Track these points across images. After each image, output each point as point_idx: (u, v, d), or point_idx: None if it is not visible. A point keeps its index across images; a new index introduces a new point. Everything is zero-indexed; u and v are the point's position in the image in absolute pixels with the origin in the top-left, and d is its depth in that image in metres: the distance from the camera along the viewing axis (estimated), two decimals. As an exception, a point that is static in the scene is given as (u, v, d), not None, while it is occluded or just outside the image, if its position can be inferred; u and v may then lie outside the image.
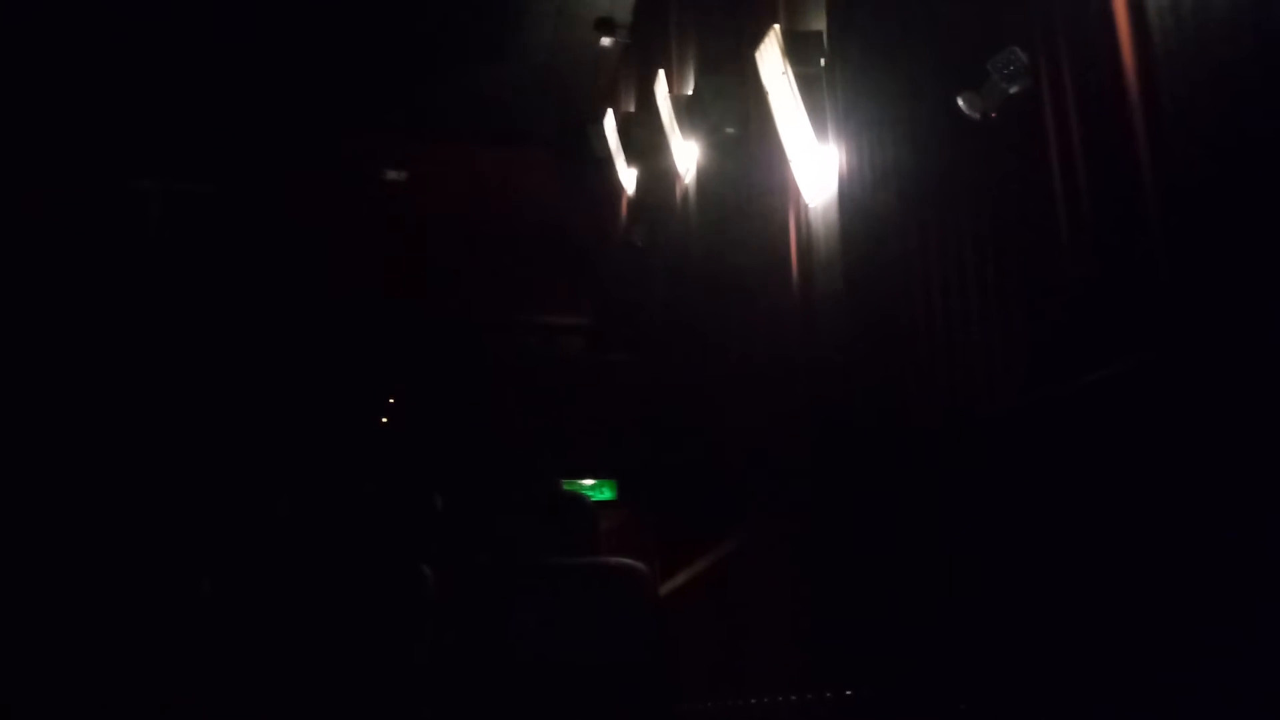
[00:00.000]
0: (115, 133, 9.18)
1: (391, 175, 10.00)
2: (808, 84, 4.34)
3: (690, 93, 6.64)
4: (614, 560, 3.21)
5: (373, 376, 7.09)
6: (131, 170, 9.30)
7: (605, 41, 8.48)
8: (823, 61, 4.39)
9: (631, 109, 8.71)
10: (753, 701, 4.21)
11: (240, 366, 7.02)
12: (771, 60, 4.46)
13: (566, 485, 6.97)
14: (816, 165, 4.35)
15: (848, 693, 3.39)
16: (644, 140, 7.98)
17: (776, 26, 4.52)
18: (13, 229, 8.56)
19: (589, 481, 7.85)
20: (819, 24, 4.53)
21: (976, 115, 3.00)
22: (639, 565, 3.14)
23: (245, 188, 9.63)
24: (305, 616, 3.20)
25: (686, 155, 6.86)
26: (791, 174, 4.53)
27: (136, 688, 3.66)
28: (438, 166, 10.15)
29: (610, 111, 8.82)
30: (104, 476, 5.39)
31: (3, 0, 7.93)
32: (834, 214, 4.26)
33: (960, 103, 3.01)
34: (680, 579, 5.09)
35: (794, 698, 3.78)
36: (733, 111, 5.71)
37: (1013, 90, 2.89)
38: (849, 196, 4.11)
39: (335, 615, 3.21)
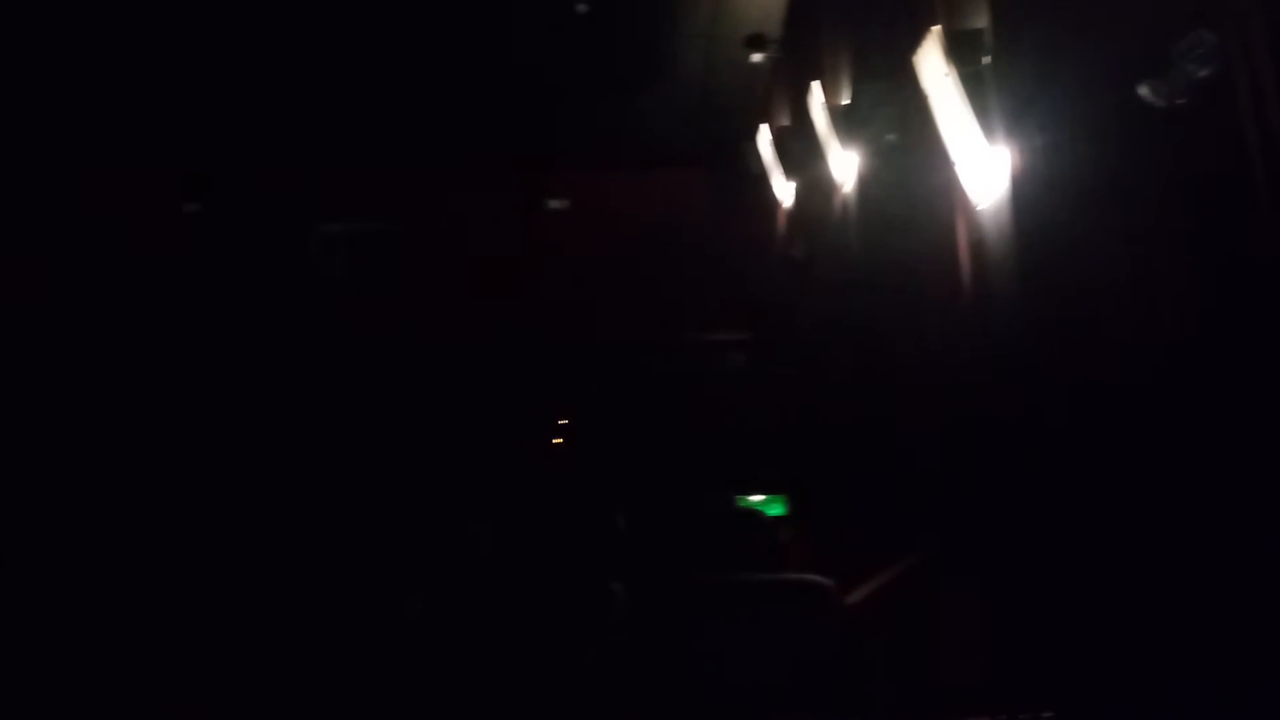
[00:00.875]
0: (303, 181, 9.89)
1: (554, 205, 10.30)
2: (972, 84, 4.23)
3: (847, 101, 6.57)
4: (798, 576, 3.20)
5: (549, 402, 7.32)
6: (320, 216, 10.02)
7: (757, 57, 8.50)
8: (986, 60, 4.27)
9: (786, 123, 8.68)
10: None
11: (428, 394, 7.39)
12: (932, 62, 4.38)
13: (740, 502, 6.97)
14: (984, 167, 4.23)
15: (1046, 715, 3.25)
16: (800, 153, 7.94)
17: (936, 28, 4.43)
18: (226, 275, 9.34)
19: (758, 497, 7.83)
20: (980, 22, 4.41)
21: (1162, 104, 2.86)
22: (825, 580, 3.11)
23: (422, 224, 10.14)
24: (505, 635, 3.33)
25: (845, 165, 6.79)
26: (957, 178, 4.42)
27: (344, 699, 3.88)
28: (598, 193, 10.40)
29: (765, 127, 8.82)
30: (317, 500, 5.76)
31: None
32: (1006, 216, 4.13)
33: (1143, 92, 2.87)
34: (860, 595, 5.01)
35: None
36: (892, 118, 5.62)
37: (1202, 74, 2.73)
38: (1022, 197, 3.97)
39: (532, 633, 3.33)
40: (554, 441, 7.16)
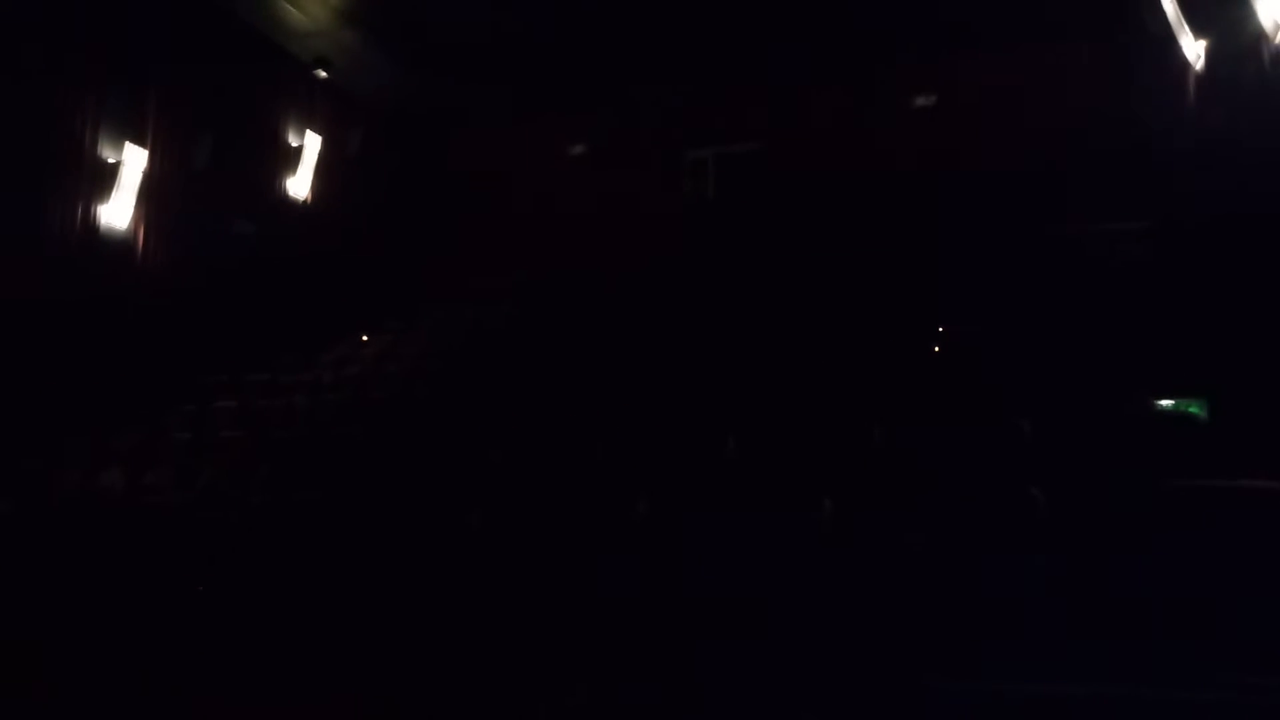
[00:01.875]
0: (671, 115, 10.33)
1: (920, 101, 9.82)
2: None
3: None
4: (1269, 483, 2.85)
5: (933, 309, 7.08)
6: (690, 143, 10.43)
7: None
8: None
9: (1193, -29, 7.56)
10: None
11: (800, 306, 7.44)
12: None
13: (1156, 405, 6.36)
14: None
15: None
16: (1214, 5, 6.91)
17: None
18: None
19: (1168, 401, 7.09)
20: None
21: None
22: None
23: (785, 141, 10.14)
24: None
25: (1276, 9, 5.82)
26: None
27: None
28: (968, 83, 9.76)
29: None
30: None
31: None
32: None
33: None
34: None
35: None
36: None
37: None
38: None
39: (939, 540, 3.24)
40: (936, 349, 6.92)
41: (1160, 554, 2.72)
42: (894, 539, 3.35)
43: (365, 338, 9.52)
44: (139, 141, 8.50)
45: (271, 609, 4.13)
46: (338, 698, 3.50)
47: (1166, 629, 2.61)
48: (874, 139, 9.98)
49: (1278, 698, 2.45)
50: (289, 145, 10.34)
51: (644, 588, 3.52)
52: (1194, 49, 7.48)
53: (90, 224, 8.17)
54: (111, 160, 8.33)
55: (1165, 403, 7.22)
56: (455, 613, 3.79)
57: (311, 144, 10.40)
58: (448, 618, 3.78)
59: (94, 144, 8.21)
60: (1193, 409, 7.07)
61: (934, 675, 2.76)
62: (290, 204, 10.28)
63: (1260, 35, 6.00)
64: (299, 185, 10.34)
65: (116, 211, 8.32)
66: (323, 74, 10.26)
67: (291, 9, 9.45)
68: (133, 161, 8.41)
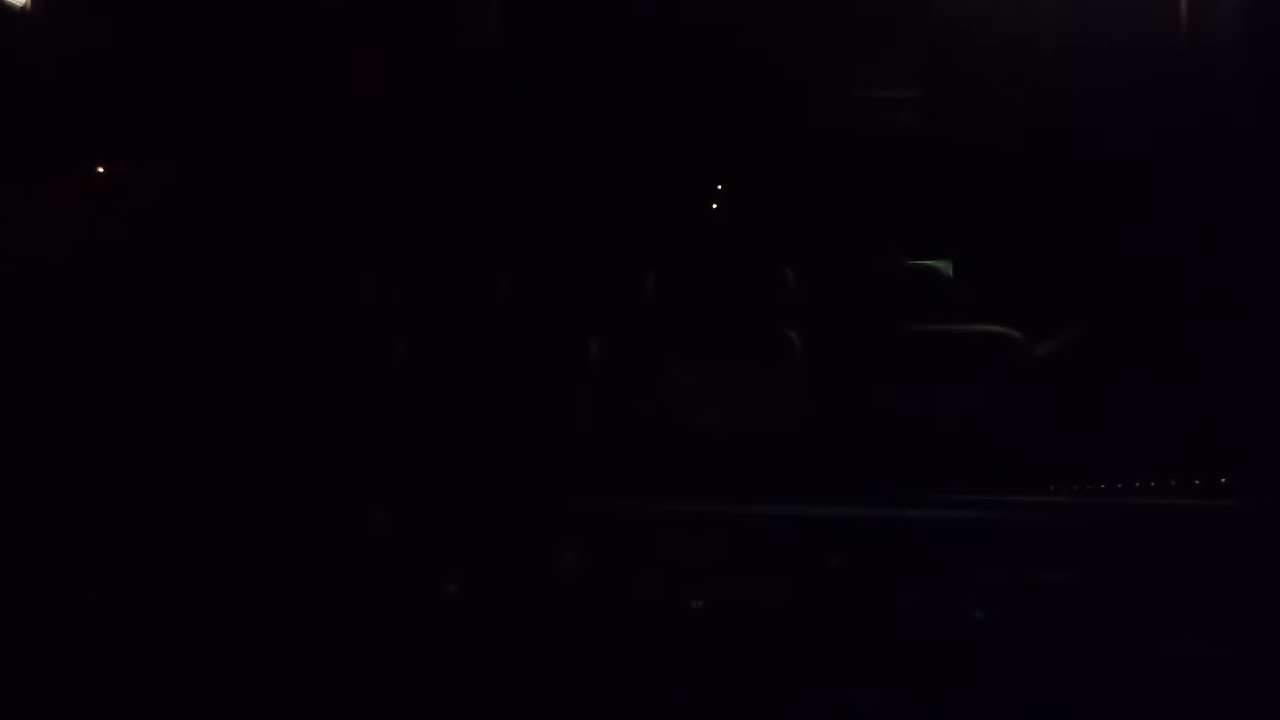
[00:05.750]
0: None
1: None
2: None
3: None
4: (985, 327, 3.11)
5: (706, 166, 7.15)
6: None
7: None
8: None
9: None
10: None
11: (589, 159, 7.32)
12: None
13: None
14: None
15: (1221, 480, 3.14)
16: None
17: None
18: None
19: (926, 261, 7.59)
20: None
21: None
22: (1012, 332, 3.02)
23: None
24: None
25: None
26: None
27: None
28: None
29: None
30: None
31: None
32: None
33: None
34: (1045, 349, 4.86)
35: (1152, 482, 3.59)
36: None
37: None
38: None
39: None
40: (712, 205, 7.05)
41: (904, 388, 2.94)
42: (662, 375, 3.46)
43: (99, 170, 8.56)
44: None
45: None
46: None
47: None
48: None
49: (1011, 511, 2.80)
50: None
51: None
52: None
53: None
54: None
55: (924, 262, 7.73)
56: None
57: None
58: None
59: None
60: (944, 269, 7.62)
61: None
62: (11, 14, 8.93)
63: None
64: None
65: None
66: None
67: None
68: None
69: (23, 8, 8.96)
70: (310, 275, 5.36)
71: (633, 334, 4.15)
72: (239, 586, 2.97)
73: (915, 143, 7.99)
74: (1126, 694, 2.63)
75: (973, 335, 3.09)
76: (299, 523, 3.15)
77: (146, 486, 3.36)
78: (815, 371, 3.31)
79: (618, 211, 5.87)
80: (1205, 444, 3.42)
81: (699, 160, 7.01)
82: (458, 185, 6.53)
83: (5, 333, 4.47)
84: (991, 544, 2.84)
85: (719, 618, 2.88)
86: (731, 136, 7.00)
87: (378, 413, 3.79)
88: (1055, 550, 2.89)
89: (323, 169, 6.46)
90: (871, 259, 5.38)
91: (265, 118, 8.82)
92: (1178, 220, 4.00)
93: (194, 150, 8.64)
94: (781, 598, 2.73)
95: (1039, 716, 2.60)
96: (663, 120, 7.49)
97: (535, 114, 7.74)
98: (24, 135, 8.34)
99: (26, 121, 8.43)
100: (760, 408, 3.42)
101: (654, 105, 7.57)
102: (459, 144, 7.09)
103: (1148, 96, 4.49)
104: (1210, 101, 3.82)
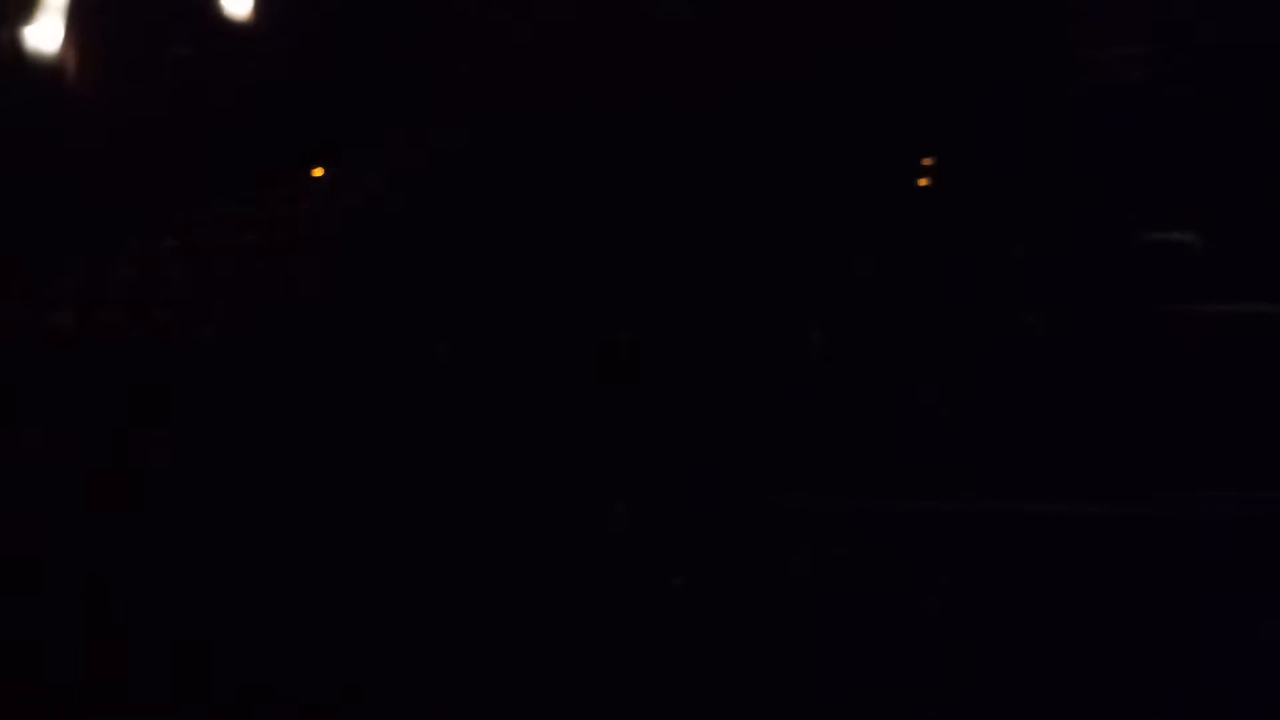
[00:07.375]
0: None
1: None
2: None
3: None
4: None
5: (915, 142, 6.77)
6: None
7: None
8: None
9: None
10: None
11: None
12: None
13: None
14: None
15: None
16: None
17: None
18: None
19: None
20: None
21: None
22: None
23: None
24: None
25: None
26: None
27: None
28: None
29: None
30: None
31: None
32: None
33: None
34: None
35: None
36: None
37: None
38: None
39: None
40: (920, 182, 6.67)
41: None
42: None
43: (319, 171, 9.10)
44: (64, -44, 7.81)
45: (237, 442, 4.02)
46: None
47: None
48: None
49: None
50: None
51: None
52: None
53: (16, 47, 7.61)
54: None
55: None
56: (432, 447, 3.69)
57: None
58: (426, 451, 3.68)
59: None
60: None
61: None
62: (233, 25, 9.63)
63: None
64: (241, 3, 9.67)
65: (44, 34, 7.73)
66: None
67: None
68: (58, -22, 7.75)
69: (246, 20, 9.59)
70: (514, 269, 5.44)
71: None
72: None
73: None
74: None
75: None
76: (537, 515, 3.18)
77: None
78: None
79: (837, 193, 5.62)
80: None
81: (914, 134, 6.62)
82: (683, 176, 6.46)
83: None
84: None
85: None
86: (955, 106, 6.57)
87: (608, 405, 3.76)
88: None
89: (535, 165, 6.62)
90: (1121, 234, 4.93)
91: (465, 118, 9.09)
92: None
93: (402, 152, 9.05)
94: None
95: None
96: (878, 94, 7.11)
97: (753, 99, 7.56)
98: (245, 140, 8.97)
99: (250, 127, 9.07)
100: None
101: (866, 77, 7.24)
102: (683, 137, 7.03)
103: None
104: None
